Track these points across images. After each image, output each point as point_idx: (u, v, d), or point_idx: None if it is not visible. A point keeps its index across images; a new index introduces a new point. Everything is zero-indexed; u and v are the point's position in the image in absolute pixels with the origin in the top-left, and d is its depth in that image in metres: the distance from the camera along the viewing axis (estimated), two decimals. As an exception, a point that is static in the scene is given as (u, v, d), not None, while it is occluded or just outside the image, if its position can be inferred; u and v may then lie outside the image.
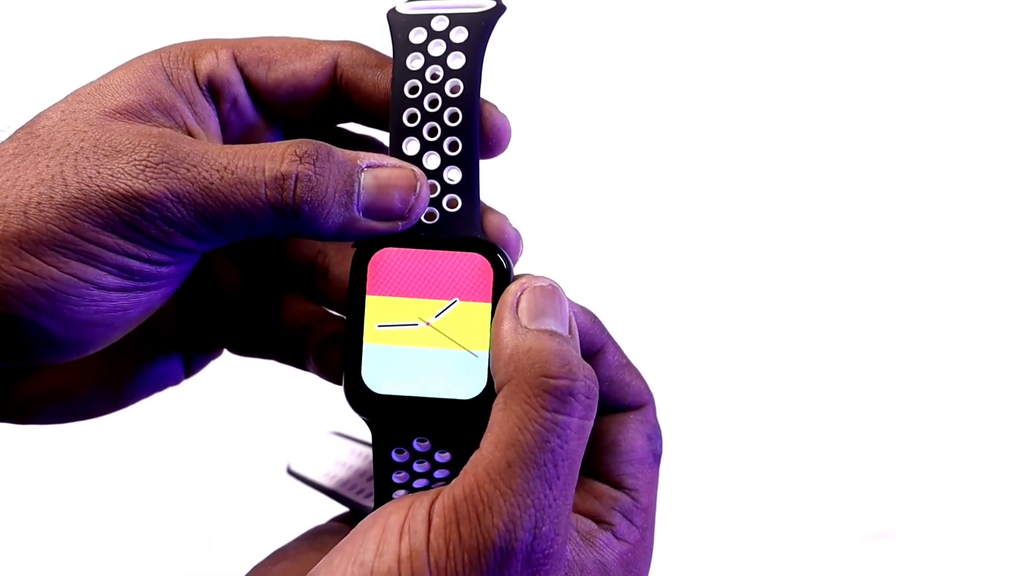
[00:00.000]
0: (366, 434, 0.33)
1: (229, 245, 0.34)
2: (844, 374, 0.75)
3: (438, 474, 0.32)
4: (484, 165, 0.33)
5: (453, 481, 0.29)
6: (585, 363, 0.30)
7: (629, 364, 0.34)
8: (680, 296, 0.76)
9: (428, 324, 0.32)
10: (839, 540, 0.71)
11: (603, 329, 0.33)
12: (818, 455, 0.72)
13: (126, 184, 0.29)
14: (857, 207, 0.78)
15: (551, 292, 0.31)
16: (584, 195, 0.77)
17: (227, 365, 0.40)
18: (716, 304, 0.76)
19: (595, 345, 0.33)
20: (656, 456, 0.34)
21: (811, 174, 0.79)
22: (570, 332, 0.31)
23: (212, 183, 0.29)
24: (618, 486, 0.33)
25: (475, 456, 0.29)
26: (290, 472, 0.40)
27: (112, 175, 0.29)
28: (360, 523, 0.30)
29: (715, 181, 0.79)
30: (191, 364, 0.37)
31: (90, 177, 0.29)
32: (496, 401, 0.29)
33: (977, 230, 0.78)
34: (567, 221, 0.75)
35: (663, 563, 0.36)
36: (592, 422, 0.30)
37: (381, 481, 0.32)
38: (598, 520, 0.32)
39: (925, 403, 0.74)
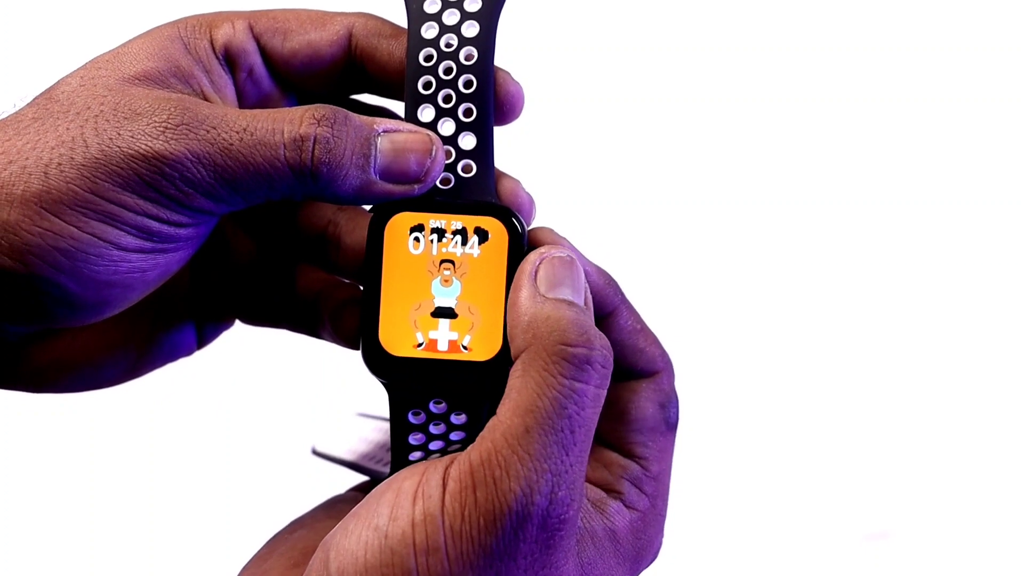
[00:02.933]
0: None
1: (242, 215, 0.35)
2: (845, 373, 0.75)
3: (454, 436, 0.33)
4: (498, 131, 0.33)
5: (469, 447, 0.29)
6: (601, 333, 0.30)
7: (644, 329, 0.34)
8: (689, 278, 0.75)
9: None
10: (839, 540, 0.71)
11: (617, 291, 0.33)
12: (818, 455, 0.73)
13: (146, 145, 0.29)
14: (862, 194, 0.79)
15: (569, 263, 0.31)
16: (597, 160, 0.77)
17: (244, 350, 0.40)
18: (717, 307, 0.76)
19: (607, 307, 0.33)
20: (669, 424, 0.33)
21: (827, 131, 0.79)
22: (585, 304, 0.31)
23: (232, 144, 0.30)
24: (628, 454, 0.33)
25: (492, 422, 0.29)
26: (315, 452, 0.40)
27: (133, 136, 0.29)
28: (374, 489, 0.30)
29: (729, 147, 0.78)
30: (204, 334, 0.37)
31: (110, 139, 0.29)
32: (514, 368, 0.30)
33: (976, 231, 0.78)
34: (580, 185, 0.75)
35: (663, 561, 0.36)
36: (606, 391, 0.30)
37: (397, 443, 0.33)
38: (608, 489, 0.32)
39: (925, 403, 0.74)
